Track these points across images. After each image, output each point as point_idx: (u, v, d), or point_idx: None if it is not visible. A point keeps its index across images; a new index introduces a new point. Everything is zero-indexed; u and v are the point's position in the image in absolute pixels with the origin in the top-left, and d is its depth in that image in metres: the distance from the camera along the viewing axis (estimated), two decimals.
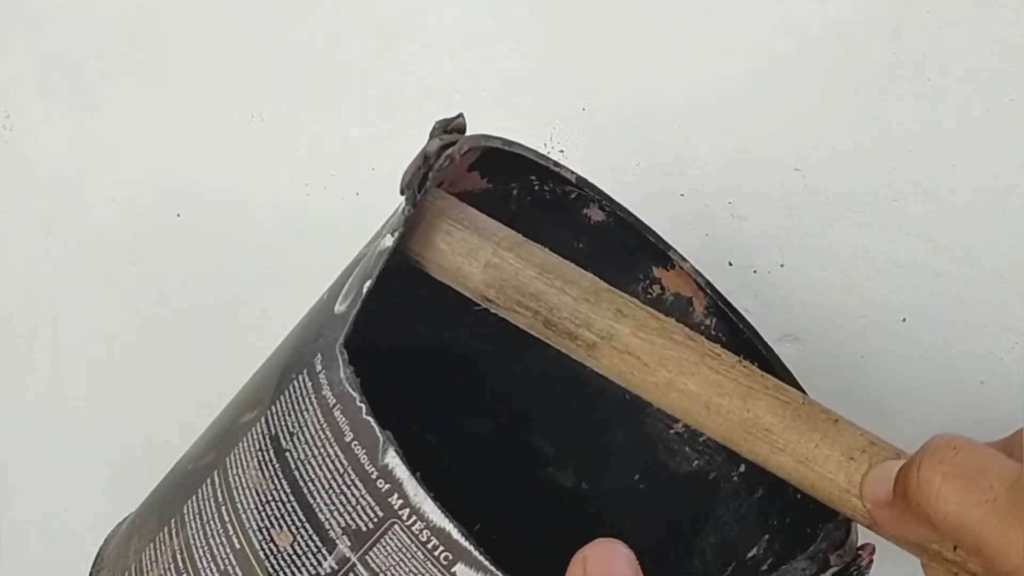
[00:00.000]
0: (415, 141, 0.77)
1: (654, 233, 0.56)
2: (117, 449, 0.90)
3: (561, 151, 0.77)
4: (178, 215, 0.85)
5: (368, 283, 0.40)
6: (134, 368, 0.89)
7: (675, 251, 0.57)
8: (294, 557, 0.39)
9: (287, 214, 0.83)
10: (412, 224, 0.43)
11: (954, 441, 0.35)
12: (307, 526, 0.39)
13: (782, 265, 0.74)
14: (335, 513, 0.38)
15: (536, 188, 0.55)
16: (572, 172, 0.53)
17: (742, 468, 0.56)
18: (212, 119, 0.83)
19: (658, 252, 0.57)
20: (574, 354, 0.43)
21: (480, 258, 0.43)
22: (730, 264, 0.75)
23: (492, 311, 0.44)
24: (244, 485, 0.42)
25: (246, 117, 0.82)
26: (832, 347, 0.75)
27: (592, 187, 0.55)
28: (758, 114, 0.74)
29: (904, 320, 0.73)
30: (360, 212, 0.81)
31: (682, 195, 0.75)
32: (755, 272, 0.75)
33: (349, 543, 0.37)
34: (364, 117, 0.80)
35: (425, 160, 0.43)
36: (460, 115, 0.47)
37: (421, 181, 0.42)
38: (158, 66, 0.84)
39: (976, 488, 0.33)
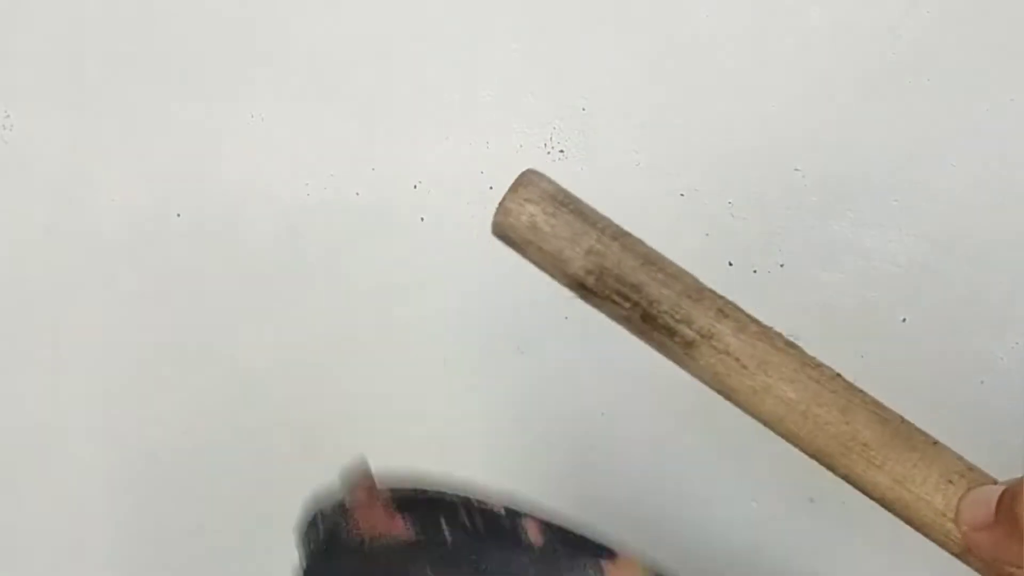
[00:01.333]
0: (415, 141, 0.78)
1: (594, 537, 0.54)
2: (117, 449, 0.90)
3: (561, 151, 0.77)
4: (178, 215, 0.85)
5: None
6: (134, 368, 0.88)
7: (617, 545, 0.54)
8: None
9: (287, 214, 0.82)
10: (513, 205, 0.42)
11: None
12: None
13: (782, 265, 0.74)
14: None
15: (467, 524, 0.52)
16: (500, 506, 0.52)
17: None
18: (212, 119, 0.83)
19: (602, 548, 0.54)
20: (668, 352, 0.42)
21: (583, 244, 0.41)
22: (730, 264, 0.75)
23: (586, 301, 0.43)
24: None
25: (246, 117, 0.82)
26: (832, 347, 0.74)
27: (523, 512, 0.53)
28: (758, 114, 0.74)
29: (904, 320, 0.73)
30: (360, 212, 0.81)
31: (682, 195, 0.75)
32: (755, 272, 0.75)
33: None
34: (364, 117, 0.80)
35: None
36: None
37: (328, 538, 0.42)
38: (158, 66, 0.83)
39: None
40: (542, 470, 0.82)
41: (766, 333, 0.42)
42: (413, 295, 0.82)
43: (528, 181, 0.43)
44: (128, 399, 0.89)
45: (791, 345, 0.42)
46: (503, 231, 0.43)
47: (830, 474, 0.72)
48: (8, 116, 0.87)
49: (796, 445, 0.42)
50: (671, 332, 0.41)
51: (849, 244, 0.73)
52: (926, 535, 0.40)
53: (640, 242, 0.43)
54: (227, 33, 0.82)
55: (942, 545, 0.40)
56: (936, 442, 0.42)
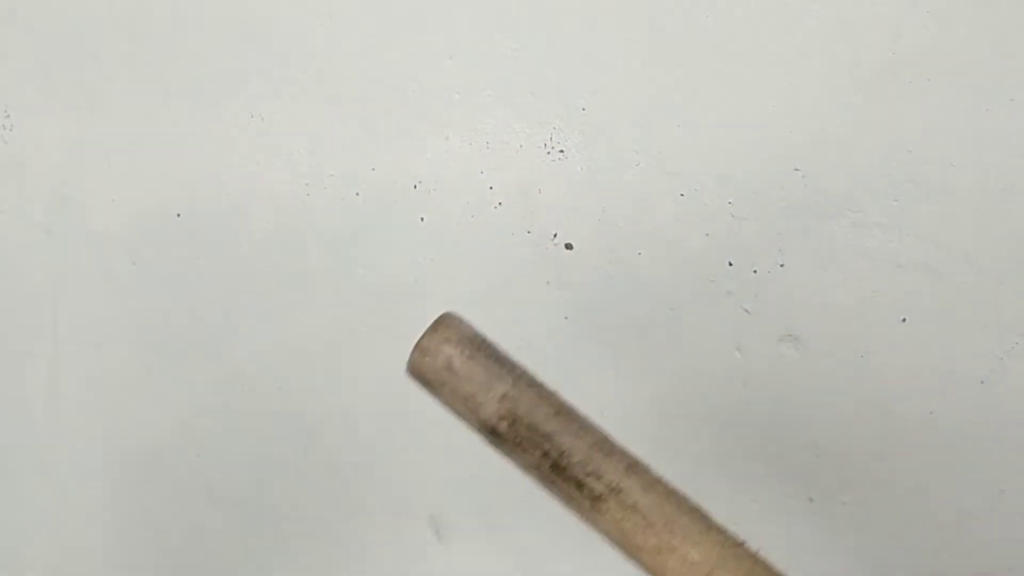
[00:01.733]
0: (415, 141, 0.78)
1: None
2: (116, 447, 0.90)
3: (561, 151, 0.77)
4: (178, 215, 0.85)
5: None
6: (133, 367, 0.88)
7: None
8: None
9: (287, 214, 0.82)
10: (431, 345, 0.42)
11: None
12: None
13: (782, 265, 0.74)
14: None
15: None
16: None
17: None
18: (212, 119, 0.83)
19: None
20: (575, 505, 0.42)
21: (498, 388, 0.42)
22: (730, 264, 0.75)
23: (495, 446, 0.43)
24: None
25: (246, 117, 0.82)
26: (832, 347, 0.75)
27: None
28: (758, 114, 0.74)
29: (904, 320, 0.74)
30: (360, 212, 0.81)
31: (682, 195, 0.75)
32: (755, 272, 0.75)
33: None
34: (364, 117, 0.80)
35: None
36: None
37: None
38: (158, 66, 0.83)
39: None
40: None
41: (673, 493, 0.42)
42: (413, 294, 0.81)
43: (447, 323, 0.43)
44: (128, 398, 0.89)
45: (696, 508, 0.42)
46: (418, 370, 0.43)
47: (830, 474, 0.72)
48: (8, 116, 0.87)
49: None
50: (580, 485, 0.41)
51: (849, 244, 0.73)
52: None
53: (554, 392, 0.43)
54: (227, 34, 0.82)
55: None
56: None
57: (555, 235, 0.77)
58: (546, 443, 0.41)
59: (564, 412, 0.42)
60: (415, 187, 0.80)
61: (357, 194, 0.81)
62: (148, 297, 0.86)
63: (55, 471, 0.92)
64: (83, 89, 0.85)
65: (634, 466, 0.41)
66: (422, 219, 0.80)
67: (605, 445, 0.42)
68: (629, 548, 0.41)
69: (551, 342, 0.79)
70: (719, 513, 0.79)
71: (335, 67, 0.80)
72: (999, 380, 0.72)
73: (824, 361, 0.75)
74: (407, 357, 0.42)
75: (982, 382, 0.73)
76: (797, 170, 0.73)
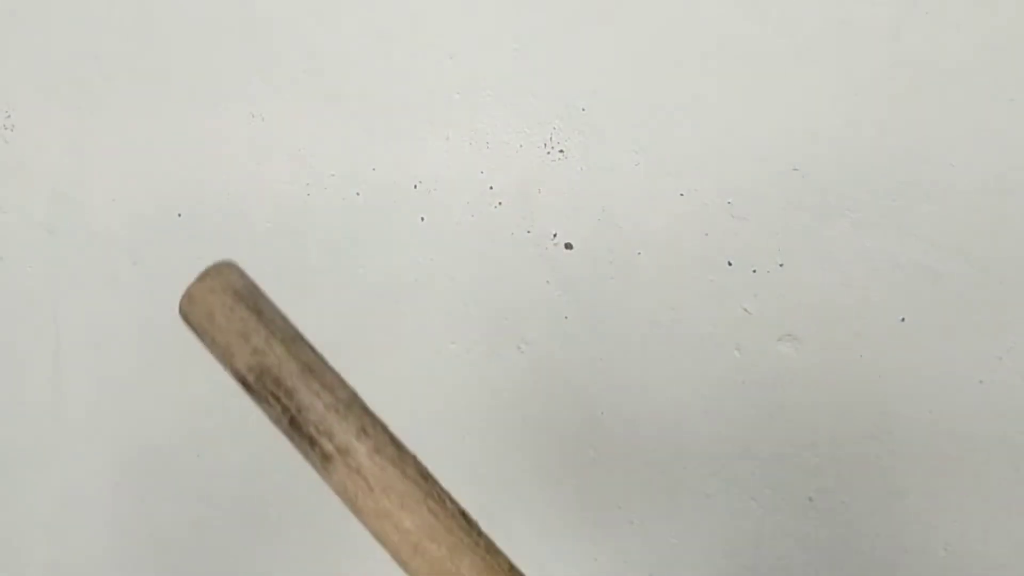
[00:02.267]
0: (415, 141, 0.78)
1: None
2: (118, 447, 0.90)
3: (561, 151, 0.77)
4: (179, 215, 0.85)
5: None
6: (135, 367, 0.88)
7: None
8: None
9: (288, 214, 0.82)
10: (198, 293, 0.44)
11: None
12: None
13: (782, 265, 0.74)
14: None
15: None
16: None
17: None
18: (212, 119, 0.83)
19: None
20: (310, 461, 0.43)
21: (252, 342, 0.43)
22: (730, 264, 0.75)
23: (247, 394, 0.44)
24: None
25: (246, 117, 0.82)
26: (832, 347, 0.75)
27: None
28: (758, 114, 0.74)
29: (903, 320, 0.73)
30: (361, 212, 0.81)
31: (681, 195, 0.75)
32: (755, 272, 0.75)
33: None
34: (364, 117, 0.80)
35: None
36: None
37: None
38: (158, 66, 0.83)
39: None
40: (541, 468, 0.82)
41: (402, 459, 0.42)
42: (413, 294, 0.81)
43: (217, 272, 0.44)
44: (128, 397, 0.89)
45: (423, 476, 0.42)
46: (185, 315, 0.44)
47: (830, 474, 0.72)
48: (9, 116, 0.87)
49: (406, 571, 0.42)
50: (312, 443, 0.42)
51: (848, 244, 0.73)
52: None
53: (309, 350, 0.44)
54: (227, 33, 0.82)
55: None
56: None
57: (555, 235, 0.77)
58: (287, 399, 0.42)
59: (311, 371, 0.43)
60: (415, 187, 0.80)
61: (357, 194, 0.81)
62: (149, 297, 0.87)
63: (56, 470, 0.91)
64: (84, 89, 0.85)
65: (368, 430, 0.42)
66: (422, 219, 0.80)
67: (344, 406, 0.42)
68: (353, 510, 0.42)
69: (551, 342, 0.79)
70: (719, 513, 0.79)
71: (335, 67, 0.80)
72: (999, 380, 0.72)
73: (823, 361, 0.75)
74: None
75: (981, 382, 0.73)
76: (796, 170, 0.73)
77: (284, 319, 0.45)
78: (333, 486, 0.42)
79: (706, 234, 0.75)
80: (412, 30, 0.78)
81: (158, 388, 0.88)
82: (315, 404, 0.42)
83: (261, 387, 0.42)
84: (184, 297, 0.44)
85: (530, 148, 0.77)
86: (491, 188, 0.78)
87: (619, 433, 0.80)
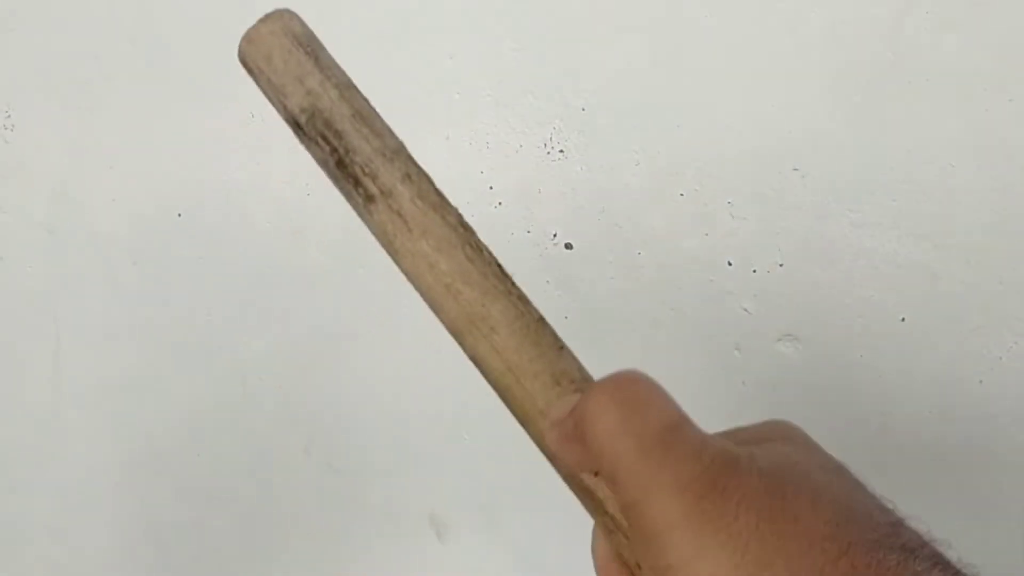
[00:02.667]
0: (415, 141, 0.78)
1: None
2: (118, 447, 0.90)
3: (561, 151, 0.77)
4: (179, 215, 0.85)
5: None
6: (135, 367, 0.88)
7: None
8: None
9: (288, 214, 0.82)
10: (258, 35, 0.45)
11: (637, 376, 0.36)
12: None
13: (781, 265, 0.74)
14: None
15: None
16: None
17: None
18: (213, 119, 0.83)
19: None
20: (353, 204, 0.44)
21: (306, 84, 0.44)
22: (729, 264, 0.75)
23: (299, 140, 0.45)
24: None
25: (246, 117, 0.82)
26: (832, 347, 0.75)
27: None
28: (757, 114, 0.74)
29: (903, 320, 0.74)
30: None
31: (681, 195, 0.75)
32: (755, 272, 0.75)
33: None
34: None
35: None
36: None
37: None
38: (158, 66, 0.83)
39: (634, 418, 0.34)
40: (542, 468, 0.81)
41: (443, 207, 0.43)
42: (413, 295, 0.80)
43: (278, 17, 0.46)
44: (129, 397, 0.89)
45: (462, 224, 0.44)
46: (243, 57, 0.45)
47: None
48: (9, 116, 0.87)
49: (438, 315, 0.44)
50: (357, 183, 0.43)
51: (848, 244, 0.73)
52: (525, 429, 0.42)
53: (361, 98, 0.45)
54: (227, 33, 0.80)
55: (537, 444, 0.42)
56: (563, 347, 0.43)
57: (555, 235, 0.77)
58: (336, 140, 0.43)
59: (361, 116, 0.44)
60: None
61: None
62: (149, 297, 0.86)
63: (56, 470, 0.91)
64: (84, 89, 0.85)
65: (412, 177, 0.43)
66: None
67: (391, 152, 0.44)
68: (391, 251, 0.43)
69: None
70: None
71: None
72: (999, 380, 0.72)
73: (823, 361, 0.75)
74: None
75: (981, 382, 0.73)
76: (796, 170, 0.73)
77: (339, 67, 0.46)
78: (373, 227, 0.43)
79: (706, 234, 0.75)
80: (412, 30, 0.78)
81: (158, 387, 0.88)
82: (363, 147, 0.43)
83: (311, 128, 0.44)
84: (244, 39, 0.45)
85: (530, 148, 0.77)
86: (491, 188, 0.78)
87: None
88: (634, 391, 0.35)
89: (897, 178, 0.72)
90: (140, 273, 0.86)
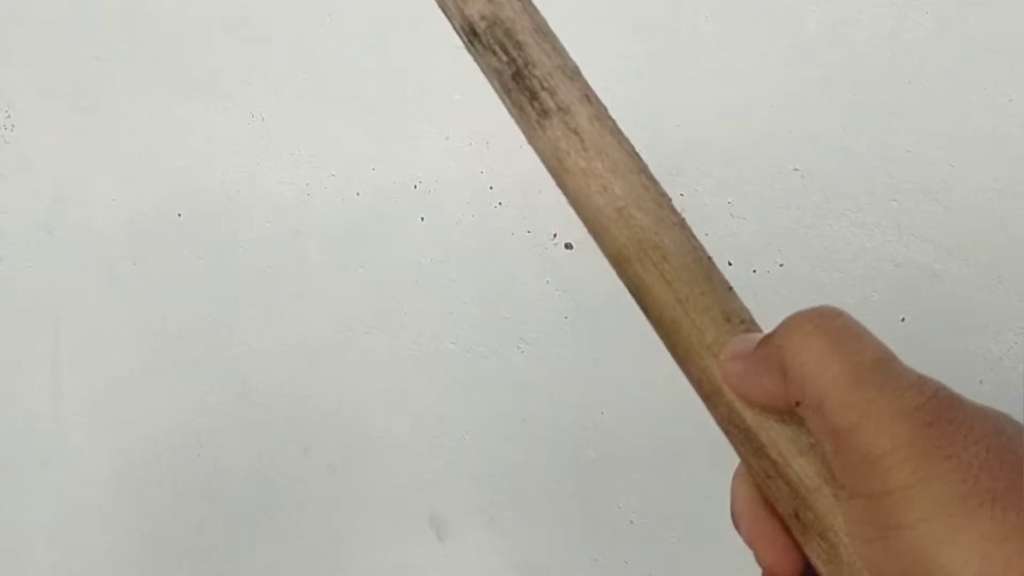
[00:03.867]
0: (415, 141, 0.78)
1: None
2: (118, 449, 0.90)
3: None
4: (179, 215, 0.85)
5: None
6: (135, 368, 0.88)
7: None
8: None
9: (288, 214, 0.82)
10: None
11: (840, 311, 0.35)
12: None
13: (781, 265, 0.74)
14: None
15: None
16: None
17: None
18: (212, 119, 0.83)
19: None
20: (523, 118, 0.43)
21: None
22: (729, 264, 0.75)
23: (471, 46, 0.43)
24: None
25: (246, 117, 0.82)
26: None
27: None
28: (757, 114, 0.74)
29: (903, 320, 0.73)
30: (361, 212, 0.81)
31: (681, 195, 0.75)
32: (755, 272, 0.74)
33: None
34: (364, 117, 0.80)
35: None
36: None
37: None
38: (158, 66, 0.83)
39: (843, 348, 0.33)
40: (542, 468, 0.81)
41: (620, 133, 0.42)
42: (413, 295, 0.81)
43: None
44: (129, 398, 0.89)
45: (637, 155, 0.42)
46: None
47: None
48: (9, 116, 0.87)
49: (602, 240, 0.42)
50: (533, 96, 0.42)
51: (848, 244, 0.73)
52: (685, 367, 0.40)
53: (540, 14, 0.44)
54: (227, 33, 0.82)
55: (696, 381, 0.40)
56: (732, 288, 0.41)
57: (555, 235, 0.77)
58: (515, 50, 0.42)
59: (543, 32, 0.43)
60: (415, 187, 0.80)
61: (357, 194, 0.81)
62: (149, 297, 0.86)
63: (56, 471, 0.92)
64: (84, 89, 0.85)
65: (591, 99, 0.42)
66: (422, 219, 0.80)
67: (572, 72, 0.42)
68: (560, 170, 0.41)
69: (551, 342, 0.79)
70: (719, 513, 0.79)
71: (335, 67, 0.80)
72: (999, 380, 0.72)
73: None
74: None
75: (981, 382, 0.72)
76: (796, 170, 0.73)
77: None
78: (543, 144, 0.42)
79: (706, 234, 0.74)
80: (412, 29, 0.78)
81: (158, 388, 0.88)
82: (544, 61, 0.42)
83: (490, 36, 0.42)
84: None
85: (530, 148, 0.77)
86: (491, 188, 0.78)
87: (619, 433, 0.79)
88: (841, 322, 0.35)
89: (897, 178, 0.72)
90: (140, 273, 0.86)
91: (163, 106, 0.84)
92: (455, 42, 0.79)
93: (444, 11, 0.43)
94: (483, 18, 0.42)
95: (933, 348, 0.73)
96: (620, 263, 0.41)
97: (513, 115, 0.42)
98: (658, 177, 0.75)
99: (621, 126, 0.74)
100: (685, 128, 0.75)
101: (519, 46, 0.42)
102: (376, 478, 0.85)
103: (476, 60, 0.43)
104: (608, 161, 0.41)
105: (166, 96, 0.84)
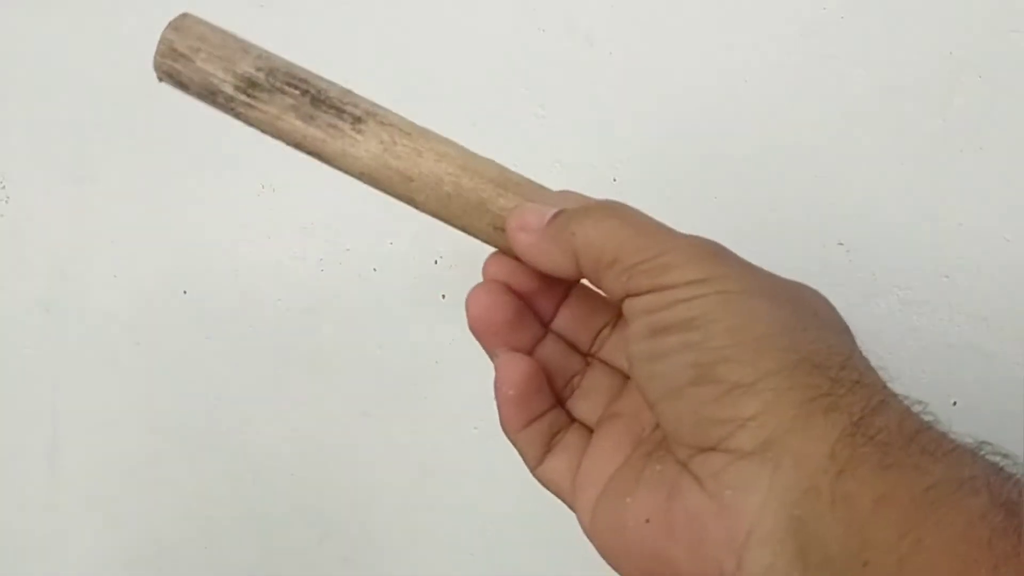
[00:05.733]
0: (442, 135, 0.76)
1: None
2: (120, 541, 0.88)
3: None
4: (184, 292, 0.83)
5: None
6: (137, 454, 0.86)
7: None
8: None
9: (300, 291, 0.80)
10: (182, 24, 0.46)
11: (623, 203, 0.44)
12: None
13: None
14: None
15: None
16: None
17: None
18: (219, 190, 0.81)
19: None
20: (337, 136, 0.46)
21: (252, 52, 0.46)
22: None
23: (251, 100, 0.46)
24: None
25: (256, 188, 0.80)
26: None
27: None
28: (800, 184, 0.71)
29: (955, 404, 0.70)
30: (377, 289, 0.79)
31: None
32: None
33: None
34: None
35: None
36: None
37: None
38: (162, 134, 0.82)
39: (632, 220, 0.42)
40: (565, 556, 0.79)
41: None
42: (433, 376, 0.79)
43: (187, 15, 0.47)
44: (131, 486, 0.87)
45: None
46: (170, 45, 0.46)
47: None
48: (4, 187, 0.85)
49: (452, 200, 0.48)
50: (340, 111, 0.46)
51: (897, 323, 0.70)
52: (471, 227, 0.48)
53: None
54: None
55: (485, 236, 0.49)
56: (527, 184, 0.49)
57: None
58: (303, 84, 0.46)
59: (312, 72, 0.47)
60: (436, 262, 0.77)
61: (374, 269, 0.79)
62: (152, 379, 0.85)
63: (53, 566, 0.89)
64: (84, 159, 0.84)
65: (380, 106, 0.47)
66: (443, 296, 0.78)
67: (355, 93, 0.47)
68: (391, 159, 0.46)
69: None
70: None
71: None
72: None
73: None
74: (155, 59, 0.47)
75: None
76: (841, 244, 0.71)
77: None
78: (366, 147, 0.46)
79: None
80: (429, 96, 0.76)
81: (162, 476, 0.86)
82: (331, 87, 0.46)
83: (273, 80, 0.45)
84: (167, 30, 0.46)
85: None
86: None
87: None
88: (626, 207, 0.44)
89: (947, 253, 0.69)
90: (143, 354, 0.85)
91: (167, 176, 0.82)
92: (476, 111, 0.77)
93: (210, 82, 0.46)
94: (259, 69, 0.46)
95: (986, 433, 0.70)
96: (482, 210, 0.47)
97: (319, 142, 0.46)
98: None
99: (654, 198, 0.74)
100: (721, 198, 0.72)
101: (304, 81, 0.46)
102: (394, 570, 0.83)
103: (260, 110, 0.46)
104: (430, 138, 0.47)
105: (170, 166, 0.82)
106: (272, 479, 0.84)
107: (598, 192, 0.74)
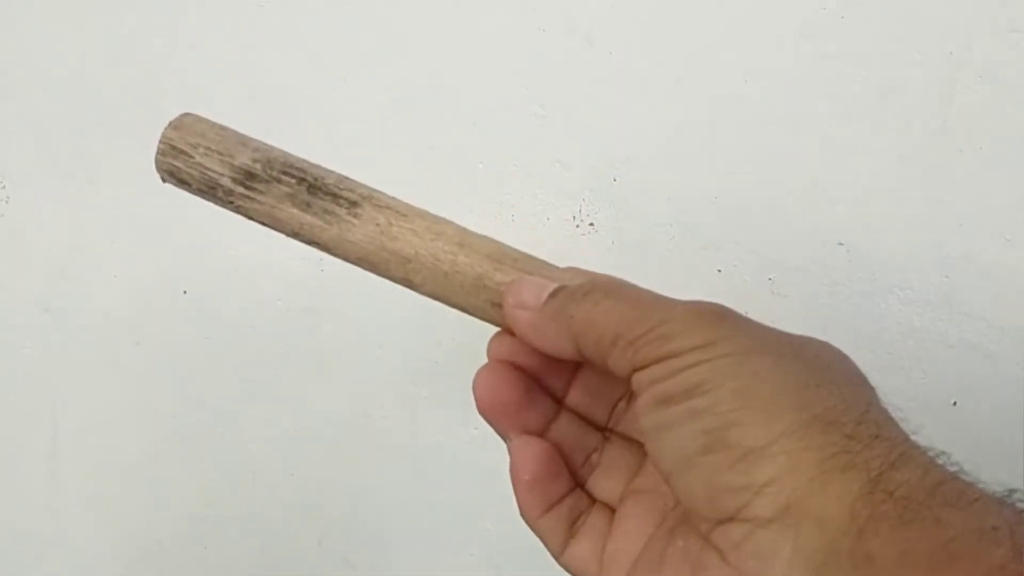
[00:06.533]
0: (438, 213, 0.75)
1: None
2: (119, 540, 0.88)
3: (591, 224, 0.74)
4: (184, 292, 0.83)
5: None
6: (137, 453, 0.86)
7: None
8: None
9: (300, 291, 0.80)
10: (182, 123, 0.48)
11: (612, 277, 0.45)
12: None
13: None
14: None
15: None
16: None
17: None
18: None
19: None
20: (332, 218, 0.47)
21: (250, 145, 0.48)
22: None
23: (249, 192, 0.47)
24: None
25: None
26: None
27: None
28: (799, 185, 0.70)
29: (955, 404, 0.70)
30: (378, 289, 0.77)
31: (719, 271, 0.72)
32: None
33: None
34: (380, 187, 0.77)
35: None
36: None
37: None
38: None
39: (627, 295, 0.42)
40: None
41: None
42: (434, 377, 0.79)
43: (188, 114, 0.49)
44: (131, 487, 0.87)
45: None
46: (170, 142, 0.48)
47: None
48: (4, 188, 0.85)
49: (449, 277, 0.48)
50: (336, 197, 0.47)
51: (897, 323, 0.70)
52: (468, 303, 0.49)
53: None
54: (232, 100, 0.79)
55: (479, 312, 0.49)
56: (521, 258, 0.49)
57: None
58: (299, 173, 0.47)
59: (308, 162, 0.49)
60: None
61: None
62: (152, 379, 0.85)
63: (53, 566, 0.89)
64: (84, 159, 0.84)
65: (376, 190, 0.49)
66: None
67: (351, 179, 0.49)
68: (387, 239, 0.47)
69: None
70: None
71: (350, 134, 0.78)
72: None
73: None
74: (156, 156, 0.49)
75: None
76: (841, 244, 0.70)
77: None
78: (363, 231, 0.47)
79: (746, 311, 0.72)
80: (431, 96, 0.76)
81: (162, 476, 0.86)
82: (327, 174, 0.48)
83: (270, 171, 0.47)
84: (169, 127, 0.48)
85: (558, 221, 0.75)
86: None
87: None
88: (618, 280, 0.45)
89: (948, 253, 0.69)
90: (143, 354, 0.84)
91: None
92: (476, 110, 0.77)
93: (209, 175, 0.48)
94: (256, 161, 0.47)
95: (986, 433, 0.70)
96: (479, 286, 0.48)
97: (316, 228, 0.47)
98: (695, 253, 0.73)
99: (655, 198, 0.75)
100: (723, 200, 0.72)
101: (300, 170, 0.47)
102: (394, 570, 0.82)
103: (258, 201, 0.47)
104: (426, 218, 0.48)
105: None
106: (272, 479, 0.83)
107: (598, 191, 0.75)
